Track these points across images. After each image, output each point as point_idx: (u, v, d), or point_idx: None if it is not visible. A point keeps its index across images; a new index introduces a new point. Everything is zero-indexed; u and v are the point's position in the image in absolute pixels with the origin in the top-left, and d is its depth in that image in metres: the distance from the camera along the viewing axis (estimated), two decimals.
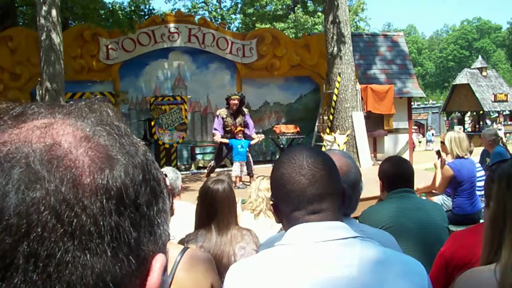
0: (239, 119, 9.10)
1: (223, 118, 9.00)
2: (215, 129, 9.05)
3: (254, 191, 4.04)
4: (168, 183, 3.38)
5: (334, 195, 1.36)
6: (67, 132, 0.49)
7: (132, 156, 0.52)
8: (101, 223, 0.46)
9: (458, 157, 5.39)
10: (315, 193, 1.33)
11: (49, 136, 0.48)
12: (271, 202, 1.45)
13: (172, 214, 2.71)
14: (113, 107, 0.58)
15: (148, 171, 0.53)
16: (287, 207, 1.36)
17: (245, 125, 9.20)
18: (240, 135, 8.96)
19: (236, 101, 9.03)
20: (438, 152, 5.84)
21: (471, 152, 6.37)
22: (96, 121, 0.53)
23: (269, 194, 3.85)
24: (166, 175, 2.98)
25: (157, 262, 0.52)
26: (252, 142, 9.21)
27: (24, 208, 0.44)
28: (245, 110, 9.43)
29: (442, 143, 6.14)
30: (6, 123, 0.50)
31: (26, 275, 0.43)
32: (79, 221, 0.45)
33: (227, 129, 9.01)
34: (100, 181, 0.48)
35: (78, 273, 0.45)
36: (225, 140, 8.93)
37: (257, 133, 9.89)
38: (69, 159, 0.47)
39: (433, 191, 6.12)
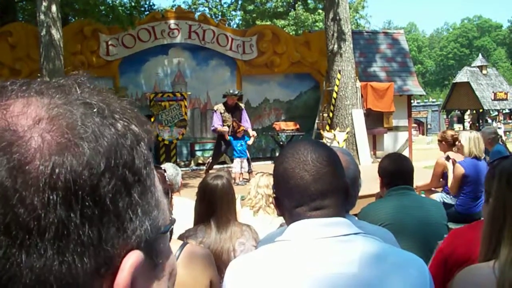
0: (236, 115, 9.16)
1: (221, 113, 9.06)
2: (216, 125, 9.06)
3: (253, 187, 4.04)
4: (167, 179, 3.38)
5: (338, 191, 1.35)
6: (24, 114, 0.44)
7: (95, 141, 0.45)
8: (42, 217, 0.41)
9: (475, 157, 5.36)
10: (318, 189, 1.31)
11: (3, 119, 0.44)
12: (273, 196, 1.44)
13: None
14: (92, 83, 0.52)
15: (117, 157, 0.46)
16: (290, 202, 1.35)
17: (241, 120, 9.25)
18: (241, 133, 9.01)
19: (234, 100, 9.14)
20: (447, 158, 5.81)
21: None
22: (64, 100, 0.47)
23: (268, 191, 3.85)
24: (165, 171, 2.98)
25: (128, 261, 0.47)
26: (249, 142, 9.27)
27: None
28: (242, 105, 9.51)
29: (440, 141, 6.14)
30: None
31: None
32: (15, 214, 0.40)
33: (225, 124, 9.06)
34: (45, 170, 0.42)
35: (12, 271, 0.40)
36: (226, 134, 8.95)
37: (256, 130, 9.92)
38: (18, 144, 0.42)
39: (433, 188, 6.13)
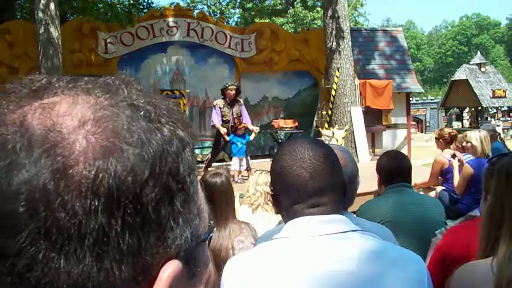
0: (235, 109, 9.13)
1: (220, 108, 9.03)
2: (215, 122, 9.04)
3: (252, 185, 4.04)
4: None
5: (335, 188, 1.35)
6: (70, 114, 0.43)
7: (141, 146, 0.44)
8: (83, 223, 0.40)
9: (487, 156, 5.35)
10: (315, 186, 1.32)
11: (49, 118, 0.43)
12: (271, 193, 1.44)
13: None
14: (139, 84, 0.51)
15: (162, 165, 0.45)
16: (287, 199, 1.35)
17: (241, 115, 9.23)
18: (242, 131, 9.00)
19: (233, 91, 9.07)
20: (453, 155, 5.80)
21: None
22: (113, 101, 0.46)
23: (267, 188, 3.85)
24: None
25: (166, 271, 0.46)
26: (251, 137, 9.25)
27: (0, 196, 0.40)
28: (241, 100, 9.49)
29: (437, 139, 6.13)
30: (18, 99, 0.46)
31: None
32: (56, 218, 0.40)
33: (225, 119, 9.03)
34: (88, 174, 0.41)
35: (50, 275, 0.40)
36: (228, 138, 8.94)
37: (254, 126, 9.91)
38: (62, 145, 0.41)
39: (431, 186, 6.13)
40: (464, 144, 5.65)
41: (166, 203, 0.45)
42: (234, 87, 9.19)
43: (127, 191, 0.42)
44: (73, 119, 0.43)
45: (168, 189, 0.45)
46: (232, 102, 9.12)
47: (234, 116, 9.08)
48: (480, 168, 5.25)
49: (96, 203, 0.41)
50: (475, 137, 5.47)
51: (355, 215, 2.53)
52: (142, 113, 0.46)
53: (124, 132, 0.44)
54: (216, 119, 9.01)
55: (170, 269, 0.46)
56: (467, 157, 5.47)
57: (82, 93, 0.46)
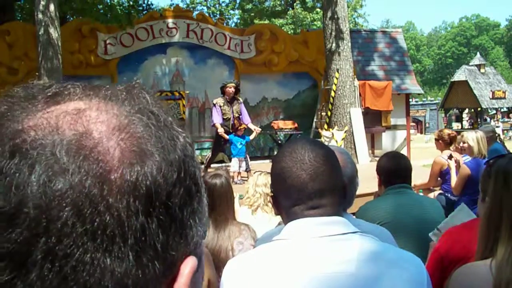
0: (235, 107, 9.14)
1: (220, 107, 9.03)
2: (215, 121, 9.04)
3: (251, 186, 4.04)
4: None
5: (335, 190, 1.35)
6: (100, 120, 0.45)
7: (168, 152, 0.47)
8: (126, 224, 0.43)
9: (484, 157, 5.36)
10: (315, 188, 1.31)
11: (80, 124, 0.45)
12: (271, 194, 1.45)
13: None
14: (154, 93, 0.53)
15: (185, 169, 0.49)
16: (287, 201, 1.35)
17: (241, 113, 9.24)
18: (242, 131, 9.00)
19: (232, 89, 9.08)
20: (450, 156, 5.81)
21: None
22: (133, 108, 0.48)
23: (266, 190, 3.85)
24: None
25: (187, 266, 0.49)
26: (251, 137, 9.24)
27: (45, 201, 0.41)
28: (240, 98, 9.49)
29: (437, 140, 6.14)
30: (40, 103, 0.47)
31: (42, 273, 0.40)
32: (102, 220, 0.42)
33: (225, 117, 9.03)
34: (129, 178, 0.43)
35: (97, 275, 0.42)
36: (226, 136, 8.94)
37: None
38: (98, 151, 0.43)
39: (431, 187, 6.14)
40: (461, 144, 5.65)
41: (188, 203, 0.49)
42: (233, 84, 9.20)
43: (161, 193, 0.45)
44: (102, 125, 0.45)
45: (190, 191, 0.49)
46: (231, 100, 9.13)
47: (234, 114, 9.08)
48: (477, 169, 5.26)
49: (137, 205, 0.43)
50: (472, 137, 5.47)
51: (354, 217, 2.53)
52: (162, 120, 0.49)
53: (153, 139, 0.47)
54: (216, 118, 9.01)
55: (190, 264, 0.49)
56: (466, 158, 5.47)
57: (103, 100, 0.48)
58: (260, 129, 9.74)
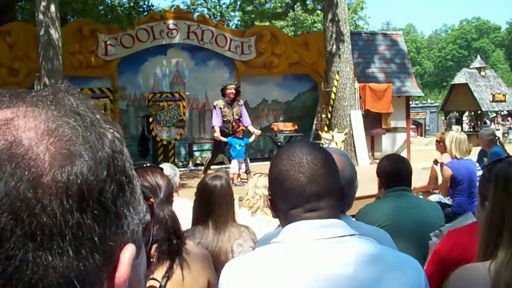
0: (235, 109, 9.15)
1: (220, 109, 9.04)
2: (215, 123, 9.05)
3: (251, 188, 4.04)
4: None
5: (333, 193, 1.35)
6: (28, 127, 0.47)
7: (96, 151, 0.49)
8: (62, 222, 0.45)
9: (455, 158, 5.39)
10: (313, 191, 1.31)
11: (9, 133, 0.46)
12: (269, 197, 1.44)
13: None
14: (81, 93, 0.55)
15: (114, 164, 0.51)
16: (285, 204, 1.35)
17: (241, 115, 9.24)
18: (240, 133, 9.01)
19: (232, 90, 9.08)
20: (435, 161, 5.86)
21: (469, 152, 6.37)
22: (60, 112, 0.50)
23: (266, 192, 3.85)
24: (162, 170, 2.98)
25: (126, 254, 0.52)
26: (250, 139, 9.25)
27: None
28: (240, 100, 9.50)
29: (438, 142, 6.14)
30: None
31: None
32: (39, 221, 0.44)
33: (225, 119, 9.04)
34: (60, 179, 0.46)
35: (40, 273, 0.44)
36: (223, 139, 8.95)
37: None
38: (29, 157, 0.46)
39: (431, 190, 6.14)
40: (442, 142, 5.72)
41: (120, 195, 0.51)
42: (234, 86, 9.20)
43: (92, 190, 0.48)
44: (31, 132, 0.47)
45: (121, 184, 0.52)
46: (232, 102, 9.13)
47: (234, 117, 9.09)
48: (459, 168, 5.29)
49: (70, 203, 0.46)
50: (449, 137, 5.51)
51: (354, 219, 2.53)
52: (88, 120, 0.52)
53: (80, 139, 0.49)
54: (216, 121, 9.02)
55: (129, 251, 0.52)
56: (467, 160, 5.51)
57: (30, 107, 0.50)
58: (259, 132, 9.74)
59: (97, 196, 0.48)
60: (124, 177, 0.53)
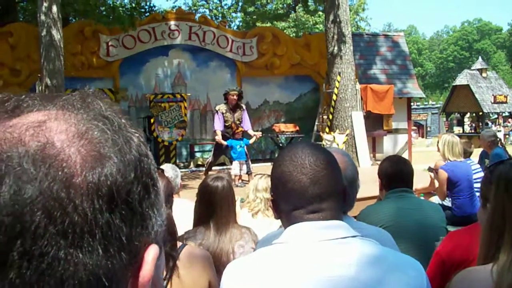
0: (237, 114, 9.18)
1: (222, 114, 9.07)
2: (217, 127, 9.09)
3: (252, 191, 4.02)
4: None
5: (335, 194, 1.34)
6: (60, 130, 0.49)
7: (124, 153, 0.51)
8: (93, 221, 0.47)
9: (449, 160, 5.40)
10: (316, 193, 1.31)
11: (42, 135, 0.48)
12: (271, 198, 1.44)
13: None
14: (110, 99, 0.58)
15: (141, 167, 0.53)
16: (287, 205, 1.35)
17: (243, 120, 9.26)
18: (240, 135, 9.02)
19: (235, 96, 9.11)
20: (429, 169, 5.88)
21: (470, 154, 6.37)
22: (90, 115, 0.53)
23: (267, 195, 3.83)
24: (163, 171, 2.98)
25: (150, 254, 0.53)
26: (250, 141, 9.26)
27: (17, 208, 0.45)
28: (243, 105, 9.51)
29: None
30: (0, 118, 0.50)
31: (20, 271, 0.44)
32: (71, 220, 0.46)
33: (227, 124, 9.07)
34: (91, 180, 0.48)
35: (71, 270, 0.46)
36: (224, 143, 8.99)
37: (256, 131, 9.95)
38: (61, 158, 0.47)
39: (432, 191, 6.13)
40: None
41: (146, 197, 0.53)
42: (236, 92, 9.22)
43: (121, 191, 0.50)
44: (62, 134, 0.49)
45: (147, 186, 0.54)
46: (234, 108, 9.16)
47: (236, 122, 9.12)
48: (454, 170, 5.29)
49: (101, 203, 0.48)
50: (442, 140, 5.51)
51: (355, 220, 2.53)
52: (116, 124, 0.54)
53: (109, 142, 0.51)
54: (218, 125, 9.06)
55: (153, 252, 0.54)
56: (471, 162, 5.51)
57: (61, 110, 0.52)
58: (260, 133, 9.77)
59: (125, 197, 0.50)
60: (149, 179, 0.54)
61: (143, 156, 0.54)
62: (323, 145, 11.42)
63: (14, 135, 0.48)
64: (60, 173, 0.47)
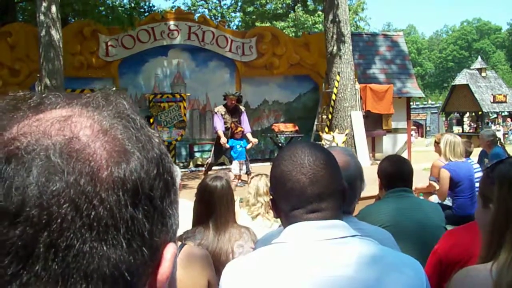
0: (236, 116, 9.20)
1: (222, 115, 9.09)
2: (218, 128, 9.10)
3: (253, 196, 3.99)
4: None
5: (335, 194, 1.34)
6: (85, 125, 0.50)
7: (147, 150, 0.52)
8: (117, 215, 0.48)
9: (450, 161, 5.39)
10: (315, 192, 1.31)
11: (68, 129, 0.49)
12: (270, 198, 1.44)
13: None
14: (129, 98, 0.58)
15: (162, 164, 0.54)
16: (286, 205, 1.35)
17: (241, 122, 9.29)
18: (239, 135, 9.05)
19: (233, 101, 9.18)
20: (433, 179, 5.91)
21: (470, 153, 6.38)
22: (113, 113, 0.53)
23: (268, 199, 3.82)
24: None
25: (169, 251, 0.54)
26: (248, 146, 9.31)
27: (45, 200, 0.45)
28: (242, 108, 9.53)
29: (436, 143, 6.15)
30: (25, 113, 0.51)
31: (46, 263, 0.45)
32: (97, 213, 0.47)
33: (226, 126, 9.10)
34: (117, 175, 0.49)
35: (95, 263, 0.46)
36: (228, 146, 9.02)
37: (255, 131, 9.98)
38: (87, 152, 0.48)
39: (431, 191, 6.14)
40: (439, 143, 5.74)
41: (166, 195, 0.54)
42: (235, 97, 9.28)
43: (144, 187, 0.50)
44: (87, 130, 0.50)
45: (167, 184, 0.54)
46: (233, 110, 9.20)
47: (237, 124, 9.16)
48: (456, 169, 5.29)
49: (126, 198, 0.49)
50: (444, 140, 5.51)
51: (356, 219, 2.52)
52: (138, 122, 0.55)
53: (133, 139, 0.52)
54: (219, 125, 9.08)
55: (171, 250, 0.55)
56: (470, 161, 5.51)
57: (85, 107, 0.53)
58: (256, 141, 9.78)
59: (148, 193, 0.51)
60: (170, 178, 0.55)
61: (164, 154, 0.55)
62: (323, 145, 11.42)
63: (40, 129, 0.48)
64: (86, 166, 0.47)
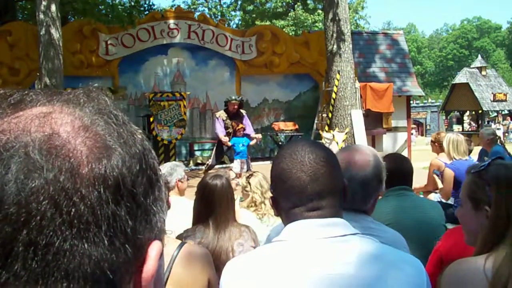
0: (238, 121, 9.23)
1: (223, 120, 9.12)
2: (220, 133, 9.13)
3: (259, 195, 3.98)
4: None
5: (335, 192, 1.34)
6: (65, 122, 0.49)
7: (129, 146, 0.51)
8: (99, 212, 0.47)
9: (454, 159, 5.38)
10: (315, 190, 1.31)
11: (47, 126, 0.48)
12: (270, 196, 1.44)
13: (168, 207, 2.70)
14: (111, 95, 0.57)
15: (145, 160, 0.53)
16: (287, 203, 1.34)
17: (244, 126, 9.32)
18: (241, 132, 9.06)
19: (235, 106, 9.20)
20: (435, 173, 5.89)
21: (470, 151, 6.37)
22: (94, 109, 0.52)
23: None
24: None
25: (153, 249, 0.53)
26: (252, 142, 9.31)
27: (23, 197, 0.44)
28: (243, 112, 9.55)
29: (433, 142, 6.14)
30: (5, 111, 0.50)
31: (25, 262, 0.44)
32: (77, 210, 0.46)
33: (227, 130, 9.13)
34: (98, 171, 0.48)
35: (76, 261, 0.45)
36: (229, 144, 9.04)
37: (255, 130, 10.00)
38: (67, 148, 0.47)
39: (431, 190, 6.13)
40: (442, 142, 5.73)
41: (149, 192, 0.53)
42: (237, 102, 9.29)
43: (126, 183, 0.49)
44: (67, 126, 0.49)
45: (151, 180, 0.54)
46: (234, 115, 9.22)
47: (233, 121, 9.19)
48: (460, 168, 5.27)
49: (107, 194, 0.47)
50: (447, 139, 5.50)
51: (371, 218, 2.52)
52: (120, 118, 0.54)
53: (115, 135, 0.51)
54: (220, 130, 9.09)
55: (156, 247, 0.53)
56: (471, 160, 5.50)
57: (66, 104, 0.52)
58: (260, 136, 9.86)
59: (130, 189, 0.50)
60: (153, 174, 0.54)
61: (147, 150, 0.54)
62: (322, 143, 11.41)
63: (19, 126, 0.48)
64: (66, 163, 0.46)
